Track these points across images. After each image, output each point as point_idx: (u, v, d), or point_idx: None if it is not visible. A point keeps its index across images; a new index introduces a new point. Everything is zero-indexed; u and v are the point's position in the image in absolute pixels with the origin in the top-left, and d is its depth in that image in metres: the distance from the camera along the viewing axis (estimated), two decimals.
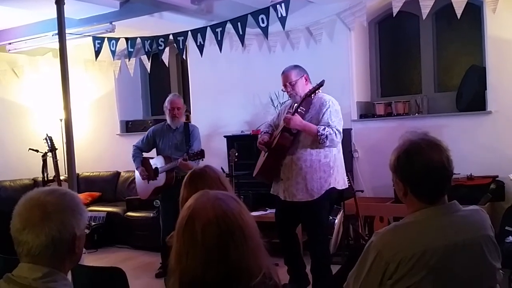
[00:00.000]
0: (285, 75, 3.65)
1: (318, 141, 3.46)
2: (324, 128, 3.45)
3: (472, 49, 5.05)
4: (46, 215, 1.32)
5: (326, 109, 3.52)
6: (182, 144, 4.49)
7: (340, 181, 3.69)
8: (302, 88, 3.60)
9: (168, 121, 4.56)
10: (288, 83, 3.62)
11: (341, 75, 5.24)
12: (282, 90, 3.75)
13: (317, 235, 3.68)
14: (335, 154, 3.63)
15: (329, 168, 3.58)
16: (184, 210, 1.23)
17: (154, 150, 4.72)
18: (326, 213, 3.75)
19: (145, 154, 4.74)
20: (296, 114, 3.50)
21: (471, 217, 1.64)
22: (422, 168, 1.59)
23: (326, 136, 3.43)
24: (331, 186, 3.61)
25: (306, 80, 3.65)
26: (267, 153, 3.69)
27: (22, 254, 1.34)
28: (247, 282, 1.15)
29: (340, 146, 3.68)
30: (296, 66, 3.70)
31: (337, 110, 3.59)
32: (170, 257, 1.22)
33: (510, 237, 3.75)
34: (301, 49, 5.44)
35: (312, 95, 3.52)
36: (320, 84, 3.51)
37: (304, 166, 3.54)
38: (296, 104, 3.59)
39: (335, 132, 3.47)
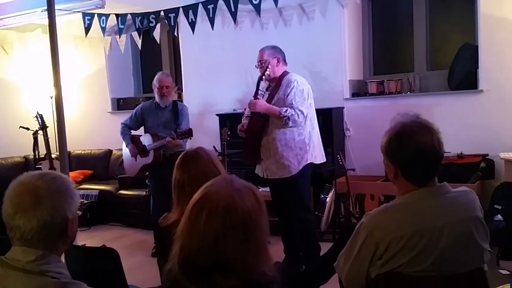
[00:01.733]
0: (260, 53, 3.78)
1: (281, 122, 3.56)
2: (286, 110, 3.56)
3: (465, 27, 5.03)
4: (37, 199, 1.32)
5: (291, 90, 3.62)
6: (171, 123, 4.49)
7: (317, 156, 3.81)
8: (272, 68, 3.69)
9: (157, 99, 4.54)
10: (260, 61, 3.73)
11: (334, 52, 5.21)
12: (255, 66, 3.80)
13: (299, 210, 3.78)
14: (310, 131, 3.74)
15: (304, 145, 3.70)
16: (200, 190, 1.22)
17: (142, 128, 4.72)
18: (307, 188, 3.86)
19: (133, 132, 4.74)
20: (259, 97, 3.64)
21: (460, 199, 1.66)
22: (413, 151, 1.60)
23: (288, 118, 3.55)
24: (308, 162, 3.73)
25: (278, 61, 3.72)
26: (246, 138, 3.80)
27: (15, 238, 1.35)
28: (238, 276, 1.15)
29: (315, 122, 3.80)
30: (273, 47, 3.79)
31: (302, 90, 3.66)
32: (177, 228, 1.21)
33: (498, 215, 3.81)
34: (293, 26, 5.40)
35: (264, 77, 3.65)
36: (265, 68, 3.64)
37: (280, 145, 3.66)
38: (262, 86, 3.75)
39: (297, 113, 3.57)
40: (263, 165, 3.79)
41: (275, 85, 3.69)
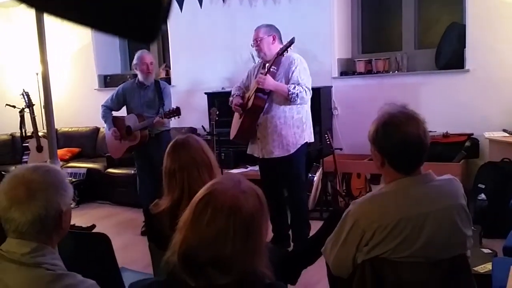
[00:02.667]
0: (256, 31, 3.72)
1: (289, 99, 3.55)
2: (294, 87, 3.53)
3: (453, 6, 5.04)
4: (31, 193, 1.34)
5: (295, 67, 3.59)
6: (154, 102, 4.43)
7: (309, 135, 3.82)
8: (268, 46, 3.65)
9: (141, 78, 4.44)
10: (256, 39, 3.68)
11: (323, 30, 5.20)
12: (251, 45, 3.76)
13: (296, 190, 3.81)
14: (307, 110, 3.75)
15: (302, 124, 3.70)
16: (207, 186, 1.24)
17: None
18: (303, 167, 3.87)
19: (115, 113, 4.67)
20: (268, 74, 3.55)
21: (444, 187, 1.71)
22: (399, 141, 1.63)
23: (297, 95, 3.53)
24: (305, 141, 3.75)
25: (274, 39, 3.68)
26: (243, 115, 3.73)
27: (10, 230, 1.37)
28: (234, 274, 1.19)
29: (309, 102, 3.78)
30: (268, 25, 3.74)
31: (305, 68, 3.66)
32: (179, 220, 1.23)
33: (482, 194, 3.90)
34: (282, 4, 5.37)
35: (284, 53, 3.56)
36: (291, 42, 3.55)
37: (278, 123, 3.64)
38: (268, 64, 3.65)
39: (305, 90, 3.57)
40: (259, 144, 3.75)
41: (274, 63, 3.61)
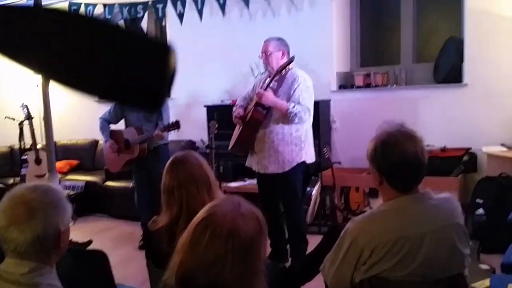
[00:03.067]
0: (265, 44, 3.70)
1: (287, 118, 3.53)
2: (294, 106, 3.51)
3: (451, 21, 5.08)
4: (30, 212, 1.34)
5: (298, 85, 3.55)
6: (152, 115, 4.42)
7: (309, 155, 3.77)
8: (276, 61, 3.63)
9: None
10: (264, 52, 3.67)
11: (322, 44, 5.23)
12: (258, 56, 3.76)
13: (292, 206, 3.77)
14: (307, 129, 3.70)
15: (300, 142, 3.66)
16: (206, 208, 1.24)
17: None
18: (299, 185, 3.81)
19: (113, 126, 4.66)
20: (268, 89, 3.54)
21: (442, 206, 1.71)
22: (397, 160, 1.64)
23: (296, 114, 3.51)
24: (302, 160, 3.69)
25: (283, 54, 3.67)
26: (241, 127, 3.74)
27: (9, 250, 1.37)
28: None
29: (311, 120, 3.75)
30: (279, 39, 3.71)
31: (308, 87, 3.62)
32: (178, 241, 1.23)
33: (480, 209, 3.90)
34: (282, 17, 5.40)
35: (283, 70, 3.56)
36: (290, 60, 3.56)
37: (276, 139, 3.62)
38: (268, 79, 3.64)
39: (304, 110, 3.54)
40: (255, 158, 3.74)
41: (279, 79, 3.60)
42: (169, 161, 1.95)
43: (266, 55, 3.64)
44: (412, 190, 1.69)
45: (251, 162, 3.84)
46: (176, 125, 4.25)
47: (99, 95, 1.00)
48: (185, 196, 1.85)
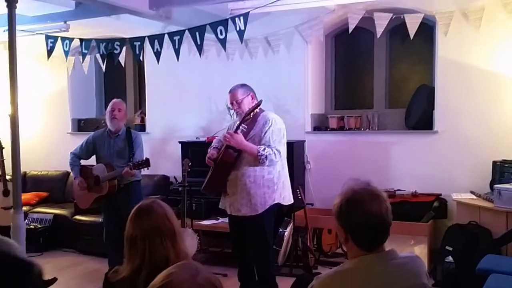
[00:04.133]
0: (232, 93, 3.72)
1: (258, 160, 3.55)
2: (264, 149, 3.53)
3: (423, 69, 5.23)
4: None
5: (268, 128, 3.59)
6: (124, 151, 4.35)
7: (286, 196, 3.76)
8: (249, 105, 3.67)
9: (108, 124, 4.39)
10: (235, 101, 3.69)
11: (297, 86, 5.32)
12: (228, 107, 3.78)
13: (261, 249, 3.72)
14: (279, 170, 3.70)
15: (273, 184, 3.65)
16: (162, 275, 1.19)
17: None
18: (271, 227, 3.79)
19: (83, 162, 4.60)
20: (239, 131, 3.56)
21: (406, 265, 1.71)
22: (362, 219, 1.64)
23: (266, 157, 3.53)
24: (276, 202, 3.68)
25: (253, 98, 3.72)
26: (212, 169, 3.73)
27: None
28: None
29: (285, 162, 3.76)
30: (243, 85, 3.76)
31: (279, 129, 3.65)
32: None
33: (449, 256, 3.92)
34: (259, 58, 5.48)
35: (252, 113, 3.59)
36: (258, 104, 3.59)
37: (248, 182, 3.61)
38: (238, 122, 3.67)
39: (275, 152, 3.56)
40: (228, 200, 3.72)
41: (250, 121, 3.63)
42: (133, 210, 1.91)
43: (237, 103, 3.68)
44: (376, 249, 1.69)
45: (225, 204, 3.81)
46: (145, 163, 4.18)
47: None
48: (148, 247, 1.80)
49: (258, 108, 3.61)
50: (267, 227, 3.69)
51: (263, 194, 3.62)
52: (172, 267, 1.20)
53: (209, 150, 3.90)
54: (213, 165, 3.75)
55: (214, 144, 3.95)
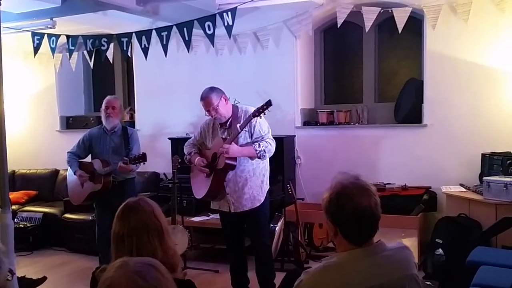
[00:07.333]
0: (206, 101, 3.64)
1: (258, 157, 3.59)
2: (259, 145, 3.57)
3: (412, 62, 5.24)
4: None
5: (256, 121, 3.59)
6: (121, 148, 4.34)
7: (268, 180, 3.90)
8: (224, 108, 3.65)
9: (103, 121, 4.39)
10: (211, 108, 3.63)
11: (287, 81, 5.30)
12: (205, 114, 3.73)
13: (262, 236, 3.83)
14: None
15: (265, 171, 3.79)
16: (101, 282, 1.17)
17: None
18: (269, 215, 3.98)
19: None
20: (231, 142, 3.54)
21: (395, 257, 1.71)
22: (351, 213, 1.64)
23: (264, 151, 3.58)
24: (268, 187, 3.84)
25: (226, 100, 3.69)
26: (212, 175, 3.69)
27: None
28: None
29: None
30: (212, 89, 3.68)
31: (263, 119, 3.67)
32: None
33: (439, 249, 3.94)
34: (248, 53, 5.45)
35: (255, 115, 3.54)
36: (269, 104, 3.50)
37: (248, 176, 3.68)
38: (219, 128, 3.72)
39: (269, 143, 3.62)
40: (229, 199, 3.70)
41: (229, 124, 3.65)
42: (120, 208, 1.89)
43: (214, 109, 3.62)
44: (366, 242, 1.68)
45: (221, 204, 3.80)
46: (142, 158, 4.17)
47: None
48: (135, 244, 1.78)
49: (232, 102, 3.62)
50: (267, 211, 3.87)
51: (261, 183, 3.75)
52: (105, 274, 1.18)
53: (186, 157, 3.88)
54: (208, 172, 3.72)
55: (189, 150, 3.90)
